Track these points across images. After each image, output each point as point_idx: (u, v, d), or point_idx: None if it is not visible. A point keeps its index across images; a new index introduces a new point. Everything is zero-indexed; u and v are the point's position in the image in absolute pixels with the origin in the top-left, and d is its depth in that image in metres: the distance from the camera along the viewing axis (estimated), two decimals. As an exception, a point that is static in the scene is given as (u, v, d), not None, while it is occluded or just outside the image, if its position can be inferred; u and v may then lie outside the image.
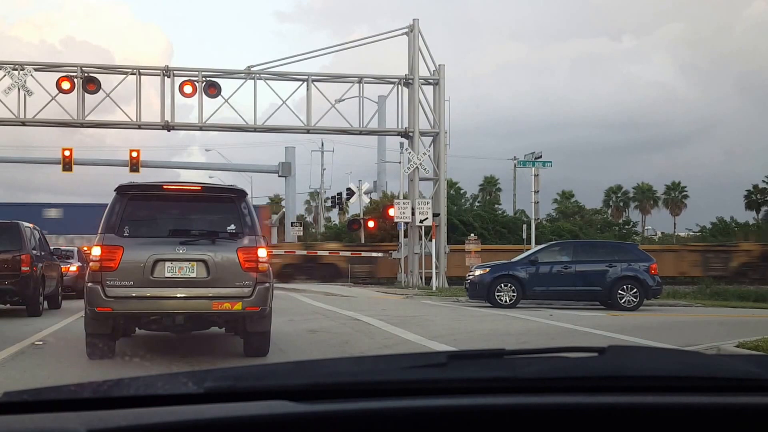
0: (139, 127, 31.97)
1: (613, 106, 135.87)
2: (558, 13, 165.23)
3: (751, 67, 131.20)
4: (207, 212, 10.36)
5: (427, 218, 31.62)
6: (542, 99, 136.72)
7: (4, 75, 30.00)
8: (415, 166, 32.68)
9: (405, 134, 33.20)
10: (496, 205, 63.02)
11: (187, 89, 30.70)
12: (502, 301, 21.02)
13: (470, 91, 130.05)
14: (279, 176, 53.77)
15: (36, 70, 30.47)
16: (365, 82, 32.65)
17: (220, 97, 31.18)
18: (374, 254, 40.25)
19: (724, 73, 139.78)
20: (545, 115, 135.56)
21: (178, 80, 30.93)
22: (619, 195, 79.26)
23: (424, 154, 32.95)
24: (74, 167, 36.07)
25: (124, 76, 31.38)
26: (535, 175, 34.22)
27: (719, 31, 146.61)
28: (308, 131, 33.39)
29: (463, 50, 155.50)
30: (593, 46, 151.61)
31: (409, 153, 32.90)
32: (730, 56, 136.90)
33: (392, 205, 33.22)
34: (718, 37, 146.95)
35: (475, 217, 47.90)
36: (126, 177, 33.77)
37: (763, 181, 64.49)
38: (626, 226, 64.30)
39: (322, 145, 60.01)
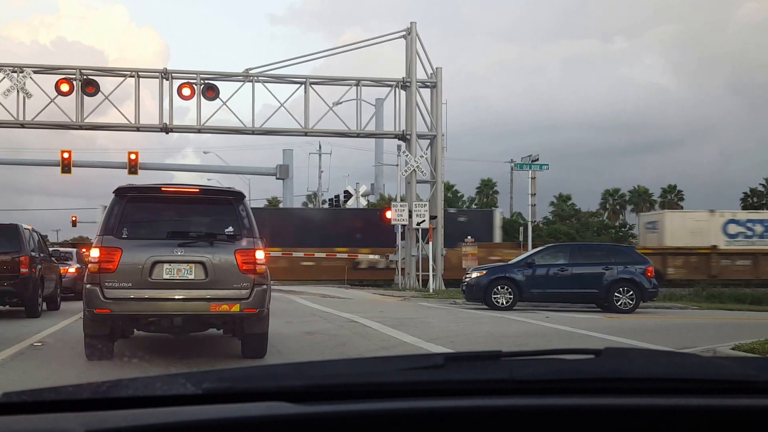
0: (138, 129, 31.93)
1: (607, 107, 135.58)
2: (551, 13, 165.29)
3: (743, 68, 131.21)
4: (205, 214, 10.37)
5: (424, 221, 31.64)
6: (536, 100, 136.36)
7: (4, 77, 29.95)
8: (412, 169, 32.68)
9: (402, 137, 33.22)
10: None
11: (186, 92, 30.73)
12: (498, 303, 21.02)
13: (464, 92, 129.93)
14: (277, 178, 53.79)
15: (35, 72, 30.42)
16: (363, 85, 32.66)
17: (218, 99, 31.22)
18: (371, 256, 40.21)
19: (717, 75, 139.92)
20: (540, 117, 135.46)
21: (177, 83, 30.96)
22: (615, 198, 79.22)
23: (422, 156, 32.97)
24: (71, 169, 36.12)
25: (123, 78, 31.35)
26: (531, 178, 34.27)
27: (711, 32, 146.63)
28: (306, 134, 33.38)
29: (456, 51, 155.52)
30: (585, 47, 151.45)
31: (407, 156, 32.92)
32: (723, 57, 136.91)
33: (389, 208, 33.26)
34: (711, 38, 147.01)
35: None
36: (121, 179, 33.74)
37: (761, 185, 64.49)
38: (623, 229, 64.34)
39: (320, 147, 60.07)
